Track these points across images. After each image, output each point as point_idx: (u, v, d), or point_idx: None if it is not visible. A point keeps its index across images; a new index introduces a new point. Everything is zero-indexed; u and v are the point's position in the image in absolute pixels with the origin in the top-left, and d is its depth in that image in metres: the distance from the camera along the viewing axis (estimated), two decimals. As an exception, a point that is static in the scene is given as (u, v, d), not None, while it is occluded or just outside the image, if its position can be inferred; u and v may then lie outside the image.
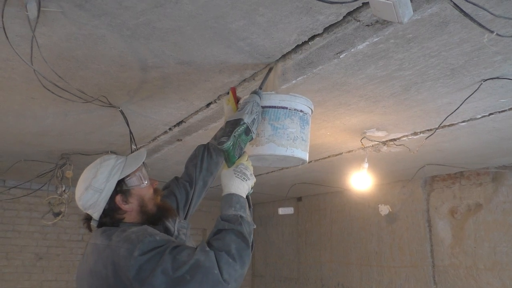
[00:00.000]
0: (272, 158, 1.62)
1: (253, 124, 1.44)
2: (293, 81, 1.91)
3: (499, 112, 2.29)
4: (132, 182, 1.45)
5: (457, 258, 3.77)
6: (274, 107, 1.55)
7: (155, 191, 1.53)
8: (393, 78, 1.91)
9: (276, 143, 1.51)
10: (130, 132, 2.48)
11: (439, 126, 2.48)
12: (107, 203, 1.41)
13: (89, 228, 1.47)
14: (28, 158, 3.57)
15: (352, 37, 1.51)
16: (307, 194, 5.44)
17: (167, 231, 1.49)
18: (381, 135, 2.79)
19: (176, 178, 1.77)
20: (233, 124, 1.41)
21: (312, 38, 1.53)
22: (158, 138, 2.92)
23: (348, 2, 1.22)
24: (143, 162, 1.51)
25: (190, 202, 1.74)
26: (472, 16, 1.28)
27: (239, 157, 1.43)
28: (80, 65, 1.79)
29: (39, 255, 4.92)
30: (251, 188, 1.45)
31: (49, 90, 1.88)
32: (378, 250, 4.50)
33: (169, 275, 1.19)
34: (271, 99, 1.55)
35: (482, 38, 1.50)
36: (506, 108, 2.24)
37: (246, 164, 1.43)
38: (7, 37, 1.46)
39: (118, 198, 1.42)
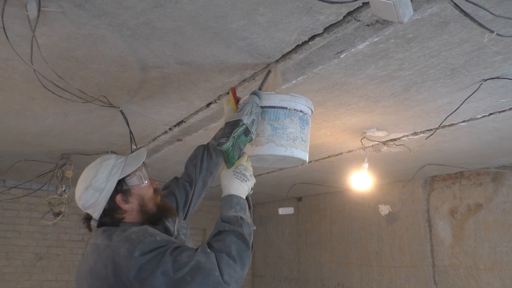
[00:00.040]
0: (271, 159, 1.62)
1: (253, 125, 1.45)
2: (293, 81, 1.91)
3: (499, 112, 2.29)
4: (133, 181, 1.45)
5: (457, 258, 3.77)
6: (274, 107, 1.55)
7: (155, 191, 1.53)
8: (393, 78, 1.91)
9: (275, 143, 1.51)
10: (130, 132, 2.48)
11: (439, 126, 2.48)
12: (107, 203, 1.41)
13: (89, 227, 1.47)
14: (28, 158, 3.57)
15: (352, 37, 1.51)
16: (307, 194, 5.44)
17: (167, 231, 1.49)
18: (381, 135, 2.79)
19: (176, 178, 1.77)
20: (232, 125, 1.41)
21: (312, 38, 1.53)
22: (158, 138, 2.92)
23: (348, 2, 1.22)
24: (143, 162, 1.51)
25: (190, 202, 1.74)
26: (472, 16, 1.28)
27: (238, 158, 1.43)
28: (80, 65, 1.79)
29: (39, 255, 4.92)
30: (251, 189, 1.45)
31: (49, 90, 1.88)
32: (378, 250, 4.50)
33: (169, 276, 1.19)
34: (271, 99, 1.55)
35: (482, 38, 1.50)
36: (506, 108, 2.24)
37: (245, 165, 1.43)
38: (7, 37, 1.46)
39: (118, 198, 1.41)
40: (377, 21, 1.41)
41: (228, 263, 1.22)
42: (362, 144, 2.93)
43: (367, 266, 4.59)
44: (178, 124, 2.62)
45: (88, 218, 1.47)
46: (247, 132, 1.42)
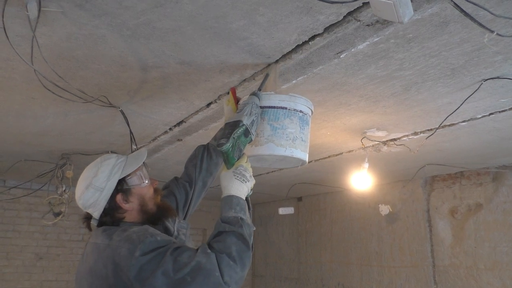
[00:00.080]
0: (271, 159, 1.62)
1: (252, 125, 1.45)
2: (294, 81, 1.91)
3: (499, 112, 2.29)
4: (133, 181, 1.45)
5: (458, 258, 3.77)
6: (274, 107, 1.55)
7: (155, 190, 1.53)
8: (393, 78, 1.91)
9: (275, 143, 1.51)
10: (131, 132, 2.48)
11: (439, 126, 2.48)
12: (107, 202, 1.41)
13: (88, 227, 1.47)
14: (29, 158, 3.57)
15: (352, 37, 1.51)
16: (308, 194, 5.44)
17: (166, 231, 1.49)
18: (381, 135, 2.79)
19: (176, 178, 1.77)
20: (232, 126, 1.41)
21: (313, 38, 1.53)
22: (158, 138, 2.92)
23: (349, 2, 1.22)
24: (143, 162, 1.51)
25: (190, 202, 1.74)
26: (472, 16, 1.28)
27: (238, 159, 1.44)
28: (80, 65, 1.79)
29: (39, 255, 4.92)
30: (251, 189, 1.45)
31: (49, 90, 1.88)
32: (379, 250, 4.50)
33: (170, 277, 1.19)
34: (271, 99, 1.55)
35: (483, 38, 1.50)
36: (507, 108, 2.24)
37: (245, 166, 1.44)
38: (7, 37, 1.46)
39: (119, 197, 1.42)
40: (377, 21, 1.41)
41: (228, 263, 1.23)
42: (362, 144, 2.93)
43: (367, 266, 4.59)
44: (178, 124, 2.62)
45: (88, 217, 1.47)
46: (246, 133, 1.43)
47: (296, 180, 4.51)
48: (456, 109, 2.20)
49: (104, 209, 1.41)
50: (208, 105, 2.27)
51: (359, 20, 1.39)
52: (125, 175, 1.43)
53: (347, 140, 2.94)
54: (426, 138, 2.68)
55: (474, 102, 2.14)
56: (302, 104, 1.58)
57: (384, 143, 2.93)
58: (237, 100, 1.63)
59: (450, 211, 3.92)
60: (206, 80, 1.95)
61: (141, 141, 3.01)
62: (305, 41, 1.55)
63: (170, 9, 1.35)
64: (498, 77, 1.87)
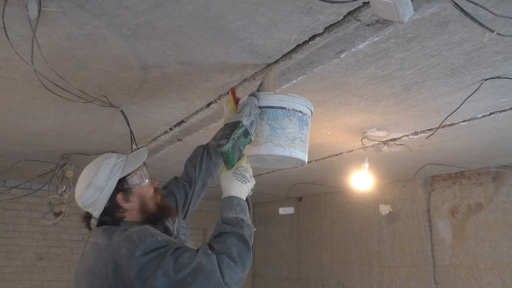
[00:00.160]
0: (270, 159, 1.62)
1: (252, 126, 1.45)
2: (294, 81, 1.91)
3: (499, 111, 2.29)
4: (133, 180, 1.45)
5: (458, 258, 3.77)
6: (273, 107, 1.55)
7: (156, 190, 1.53)
8: (393, 78, 1.91)
9: (274, 143, 1.51)
10: (131, 132, 2.48)
11: (439, 125, 2.48)
12: (107, 201, 1.40)
13: (88, 226, 1.47)
14: (29, 158, 3.57)
15: (352, 36, 1.51)
16: (308, 194, 5.44)
17: (166, 230, 1.49)
18: (381, 134, 2.79)
19: (176, 178, 1.77)
20: (231, 127, 1.41)
21: (313, 37, 1.53)
22: (158, 138, 2.92)
23: (349, 1, 1.22)
24: (143, 162, 1.51)
25: (189, 202, 1.74)
26: (472, 15, 1.27)
27: (238, 160, 1.44)
28: (80, 65, 1.79)
29: (39, 255, 4.93)
30: (251, 190, 1.45)
31: (49, 90, 1.88)
32: (379, 250, 4.50)
33: (170, 277, 1.19)
34: (270, 99, 1.55)
35: (483, 37, 1.50)
36: (507, 108, 2.24)
37: (245, 166, 1.44)
38: (7, 37, 1.46)
39: (119, 197, 1.41)
40: (377, 21, 1.41)
41: (229, 264, 1.23)
42: (363, 144, 2.93)
43: (368, 266, 4.59)
44: (179, 124, 2.62)
45: (88, 216, 1.46)
46: (246, 133, 1.43)
47: (297, 180, 4.51)
48: (457, 108, 2.20)
49: (104, 208, 1.41)
50: (209, 105, 2.27)
51: (359, 20, 1.39)
52: (125, 175, 1.43)
53: (347, 140, 2.94)
54: (427, 138, 2.68)
55: (474, 101, 2.14)
56: (301, 104, 1.58)
57: (384, 143, 2.93)
58: (236, 101, 1.63)
59: (450, 211, 3.92)
60: (206, 80, 1.95)
61: (141, 141, 3.01)
62: (305, 41, 1.55)
63: (171, 9, 1.35)
64: (498, 77, 1.87)
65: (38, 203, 4.85)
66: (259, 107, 1.53)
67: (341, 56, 1.66)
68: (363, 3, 1.31)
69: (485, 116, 2.36)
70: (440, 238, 3.94)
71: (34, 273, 4.85)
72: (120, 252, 1.26)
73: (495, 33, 1.39)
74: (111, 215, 1.42)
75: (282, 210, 4.33)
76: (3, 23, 1.40)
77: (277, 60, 1.71)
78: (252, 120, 1.45)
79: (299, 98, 1.58)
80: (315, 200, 5.41)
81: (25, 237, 4.88)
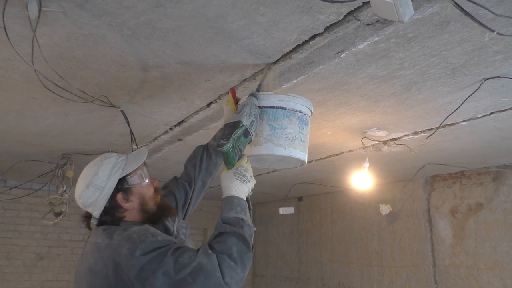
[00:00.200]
0: (270, 159, 1.62)
1: (252, 126, 1.45)
2: (294, 81, 1.91)
3: (500, 111, 2.29)
4: (133, 180, 1.45)
5: (458, 258, 3.77)
6: (273, 107, 1.55)
7: (156, 190, 1.53)
8: (393, 78, 1.91)
9: (274, 143, 1.51)
10: (131, 132, 2.48)
11: (440, 125, 2.48)
12: (108, 201, 1.40)
13: (88, 226, 1.47)
14: (29, 158, 3.57)
15: (352, 36, 1.51)
16: (308, 193, 5.44)
17: (166, 230, 1.49)
18: (381, 134, 2.79)
19: (176, 178, 1.77)
20: (232, 127, 1.42)
21: (313, 37, 1.53)
22: (158, 138, 2.93)
23: (349, 1, 1.22)
24: (143, 162, 1.51)
25: (189, 202, 1.74)
26: (473, 15, 1.27)
27: (238, 159, 1.44)
28: (80, 65, 1.79)
29: (40, 255, 4.93)
30: (251, 190, 1.45)
31: (49, 90, 1.88)
32: (379, 250, 4.49)
33: (170, 277, 1.19)
34: (270, 99, 1.56)
35: (483, 37, 1.50)
36: (507, 108, 2.24)
37: (246, 166, 1.44)
38: (8, 37, 1.46)
39: (119, 196, 1.41)
40: (377, 21, 1.41)
41: (229, 264, 1.23)
42: (363, 144, 2.93)
43: (368, 266, 4.59)
44: (179, 124, 2.62)
45: (87, 216, 1.46)
46: (246, 133, 1.43)
47: (297, 180, 4.51)
48: (457, 108, 2.20)
49: (104, 208, 1.41)
50: (209, 105, 2.27)
51: (360, 20, 1.39)
52: (125, 174, 1.43)
53: (348, 140, 2.94)
54: (427, 138, 2.68)
55: (474, 101, 2.14)
56: (301, 104, 1.58)
57: (385, 142, 2.93)
58: (236, 101, 1.64)
59: (450, 211, 3.92)
60: (206, 80, 1.95)
61: (141, 141, 3.01)
62: (306, 40, 1.55)
63: (171, 9, 1.35)
64: (498, 77, 1.87)
65: (39, 203, 4.86)
66: (259, 107, 1.53)
67: (341, 56, 1.66)
68: (363, 2, 1.31)
69: (485, 115, 2.35)
70: (441, 238, 3.94)
71: (34, 273, 4.86)
72: (120, 252, 1.26)
73: (496, 32, 1.39)
74: (111, 214, 1.42)
75: (283, 210, 4.34)
76: (3, 23, 1.40)
77: (277, 60, 1.71)
78: (252, 120, 1.45)
79: (299, 98, 1.58)
80: (315, 200, 5.41)
81: (25, 237, 4.89)
